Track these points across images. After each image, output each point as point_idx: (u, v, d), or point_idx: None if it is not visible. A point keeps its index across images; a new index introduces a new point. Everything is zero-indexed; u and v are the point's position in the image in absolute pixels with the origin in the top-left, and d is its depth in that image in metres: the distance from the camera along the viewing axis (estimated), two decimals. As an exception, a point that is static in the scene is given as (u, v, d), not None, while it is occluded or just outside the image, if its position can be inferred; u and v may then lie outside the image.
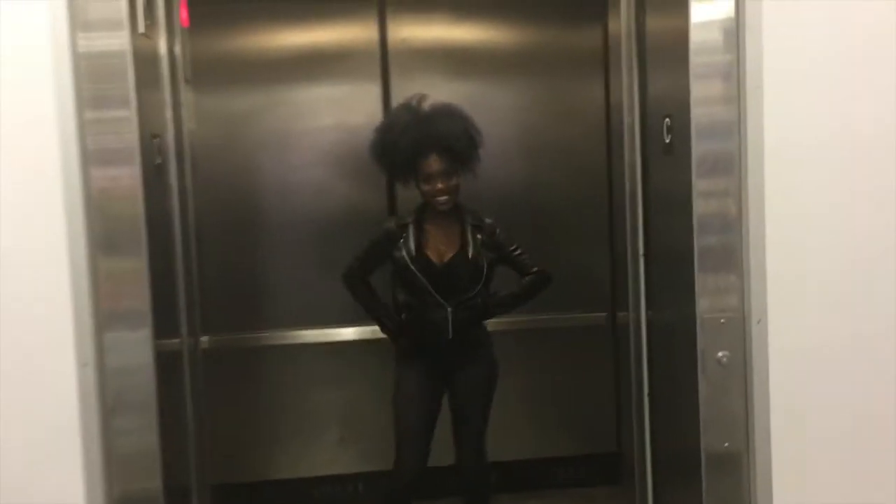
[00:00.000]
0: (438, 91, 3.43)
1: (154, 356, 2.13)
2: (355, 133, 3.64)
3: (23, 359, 2.01)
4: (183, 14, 2.94)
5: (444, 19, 3.99)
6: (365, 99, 3.88)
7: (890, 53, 2.00)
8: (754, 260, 2.02)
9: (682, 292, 2.16)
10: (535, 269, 3.30)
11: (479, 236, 3.19)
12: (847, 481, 2.15)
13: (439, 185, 3.07)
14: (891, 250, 2.06)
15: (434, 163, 3.07)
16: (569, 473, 4.18)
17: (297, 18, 3.87)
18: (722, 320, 2.03)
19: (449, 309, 3.14)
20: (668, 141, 2.19)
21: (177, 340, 2.74)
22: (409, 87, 3.43)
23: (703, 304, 2.05)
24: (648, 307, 2.52)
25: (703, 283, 2.06)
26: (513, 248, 3.28)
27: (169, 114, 2.69)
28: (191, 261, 2.95)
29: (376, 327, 3.39)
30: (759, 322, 2.01)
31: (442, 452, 3.35)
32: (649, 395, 2.50)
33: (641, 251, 2.50)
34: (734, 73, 1.99)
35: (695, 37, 2.01)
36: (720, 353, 2.03)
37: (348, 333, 3.88)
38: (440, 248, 3.16)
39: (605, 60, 3.88)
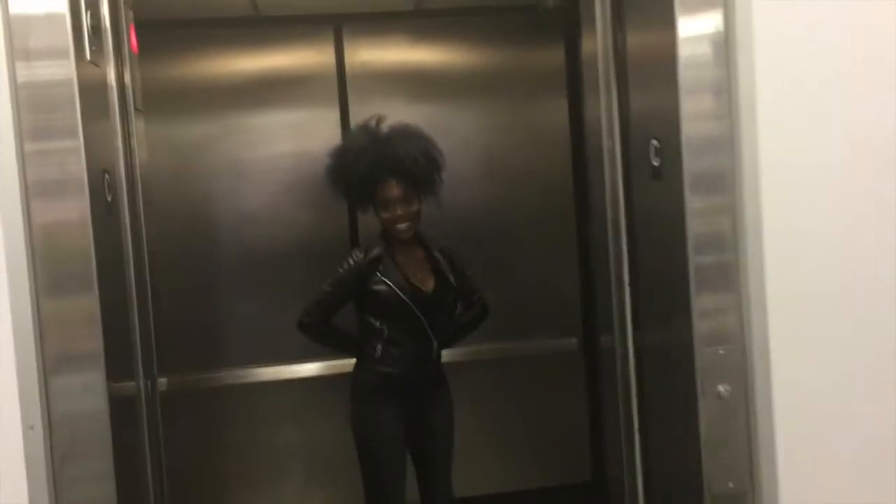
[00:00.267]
0: (398, 115, 3.36)
1: (108, 400, 2.03)
2: (314, 160, 3.50)
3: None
4: (133, 40, 2.79)
5: (402, 42, 3.95)
6: (323, 124, 3.80)
7: (888, 64, 1.94)
8: (753, 280, 1.95)
9: (674, 319, 2.09)
10: (477, 295, 3.22)
11: (445, 261, 3.07)
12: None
13: (399, 212, 2.93)
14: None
15: (393, 188, 2.93)
16: None
17: (251, 43, 3.79)
18: (721, 351, 1.94)
19: (434, 341, 3.01)
20: (656, 164, 2.10)
21: (132, 383, 2.62)
22: (368, 112, 3.30)
23: (700, 333, 1.98)
24: (636, 335, 2.42)
25: (700, 305, 1.99)
26: (469, 272, 3.19)
27: (119, 144, 2.58)
28: (145, 299, 2.83)
29: (336, 362, 3.23)
30: (761, 352, 1.91)
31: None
32: (640, 429, 2.39)
33: (627, 278, 2.40)
34: (725, 88, 1.95)
35: (683, 52, 1.96)
36: (721, 387, 1.93)
37: (309, 369, 3.74)
38: (419, 277, 3.02)
39: (568, 81, 3.90)
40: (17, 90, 1.88)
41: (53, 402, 1.95)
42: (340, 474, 3.57)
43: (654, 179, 2.14)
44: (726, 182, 1.96)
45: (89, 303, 2.01)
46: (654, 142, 2.13)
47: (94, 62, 2.21)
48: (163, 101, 3.61)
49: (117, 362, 2.28)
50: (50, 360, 1.95)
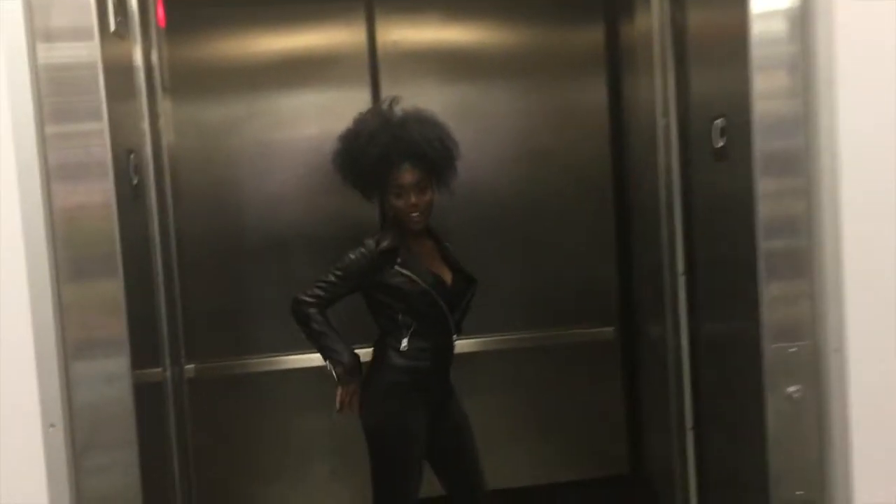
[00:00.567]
0: (431, 96, 3.35)
1: (132, 388, 2.01)
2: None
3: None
4: (159, 13, 2.71)
5: (436, 20, 3.83)
6: (353, 105, 3.61)
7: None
8: (829, 268, 1.87)
9: (738, 310, 2.03)
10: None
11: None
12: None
13: (413, 200, 2.79)
14: None
15: (407, 173, 2.78)
16: (578, 499, 3.95)
17: (282, 21, 3.69)
18: (792, 349, 1.81)
19: (454, 335, 2.91)
20: (720, 145, 1.99)
21: (158, 370, 2.62)
22: (400, 92, 3.21)
23: (769, 327, 1.90)
24: (691, 326, 2.30)
25: (769, 295, 1.91)
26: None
27: (146, 125, 2.57)
28: (173, 284, 2.83)
29: (369, 349, 3.12)
30: (836, 350, 1.78)
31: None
32: (693, 428, 2.27)
33: (681, 266, 2.28)
34: (800, 65, 1.90)
35: (756, 28, 1.90)
36: (791, 388, 1.82)
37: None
38: (437, 268, 2.91)
39: (608, 60, 3.81)
40: (38, 71, 1.87)
41: (75, 391, 1.94)
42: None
43: (716, 161, 2.04)
44: (801, 163, 1.90)
45: (113, 288, 1.98)
46: (719, 122, 2.04)
47: (118, 34, 2.18)
48: (190, 80, 3.54)
49: (143, 349, 2.27)
50: (71, 347, 1.93)
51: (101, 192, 1.94)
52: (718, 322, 2.21)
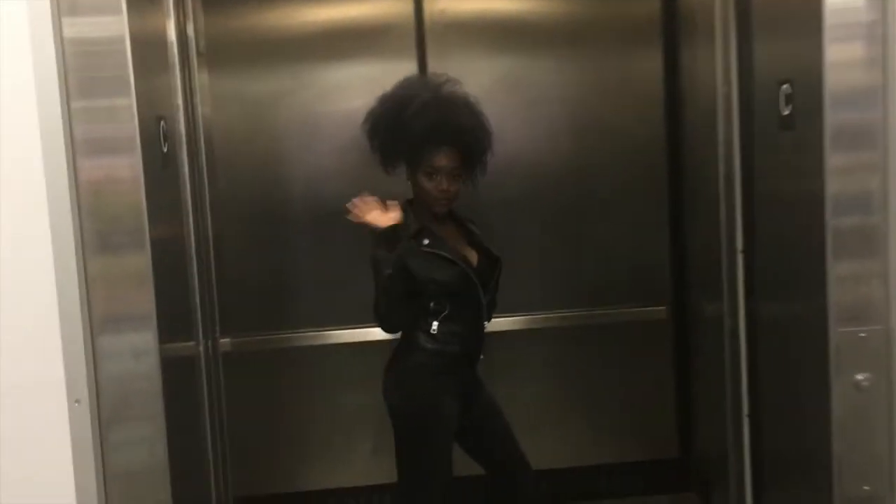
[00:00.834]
0: (480, 67, 3.30)
1: (159, 361, 2.02)
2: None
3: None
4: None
5: (484, -13, 3.78)
6: (399, 77, 3.56)
7: None
8: None
9: (802, 290, 1.94)
10: None
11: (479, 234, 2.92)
12: None
13: (444, 185, 2.72)
14: None
15: (446, 157, 2.71)
16: (625, 481, 3.92)
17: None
18: (862, 334, 1.70)
19: (484, 319, 2.86)
20: (786, 113, 1.88)
21: (191, 344, 2.62)
22: (447, 64, 3.15)
23: (836, 309, 1.81)
24: (749, 307, 2.19)
25: (837, 275, 1.82)
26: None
27: (179, 97, 2.56)
28: (207, 258, 2.80)
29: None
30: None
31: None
32: (749, 415, 2.16)
33: (741, 242, 2.17)
34: (878, 35, 1.81)
35: None
36: (859, 376, 1.70)
37: (381, 332, 3.59)
38: (462, 248, 2.85)
39: (664, 31, 3.69)
40: (65, 45, 1.87)
41: (101, 366, 1.94)
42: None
43: (782, 129, 1.93)
44: (876, 136, 1.82)
45: (141, 261, 1.97)
46: (786, 87, 1.95)
47: (150, 4, 2.20)
48: (229, 51, 3.50)
49: (173, 322, 2.26)
50: (97, 321, 1.93)
51: (128, 167, 1.93)
52: (780, 302, 2.13)
